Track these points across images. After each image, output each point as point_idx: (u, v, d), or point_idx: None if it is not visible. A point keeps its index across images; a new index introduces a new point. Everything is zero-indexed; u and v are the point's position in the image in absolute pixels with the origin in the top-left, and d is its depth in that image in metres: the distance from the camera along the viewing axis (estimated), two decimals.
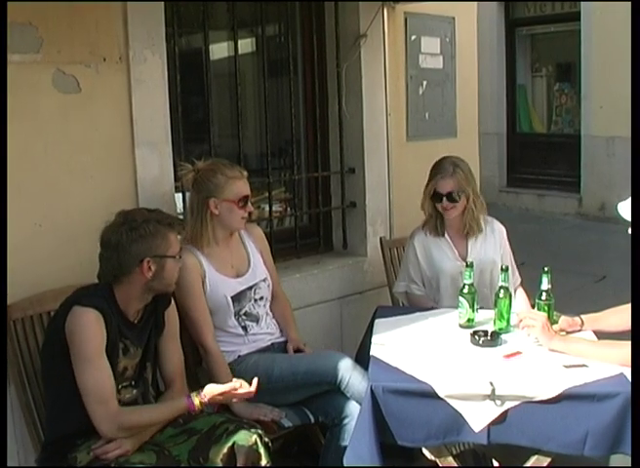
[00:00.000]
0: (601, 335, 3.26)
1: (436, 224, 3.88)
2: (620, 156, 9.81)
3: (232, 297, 3.30)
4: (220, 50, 4.27)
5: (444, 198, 3.77)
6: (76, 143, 3.22)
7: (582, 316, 3.37)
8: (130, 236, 2.68)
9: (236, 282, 3.34)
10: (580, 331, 3.31)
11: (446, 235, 3.88)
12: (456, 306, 3.47)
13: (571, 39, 10.86)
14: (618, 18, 9.74)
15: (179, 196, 3.73)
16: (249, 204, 3.31)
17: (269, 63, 4.28)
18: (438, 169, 3.84)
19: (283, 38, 4.46)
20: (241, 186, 3.29)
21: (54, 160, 3.16)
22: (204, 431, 2.75)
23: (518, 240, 8.77)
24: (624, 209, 3.05)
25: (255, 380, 2.80)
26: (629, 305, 3.37)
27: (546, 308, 3.30)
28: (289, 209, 4.66)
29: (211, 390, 2.74)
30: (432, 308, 3.77)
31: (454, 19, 4.99)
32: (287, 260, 4.37)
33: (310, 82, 4.52)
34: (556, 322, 3.30)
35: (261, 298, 3.42)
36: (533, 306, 3.43)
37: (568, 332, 3.26)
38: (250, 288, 3.37)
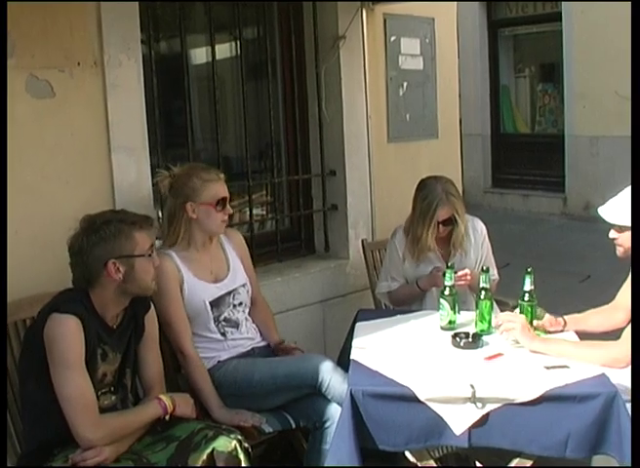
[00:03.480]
0: (583, 336, 3.25)
1: (426, 244, 3.80)
2: (604, 155, 9.86)
3: (211, 303, 3.27)
4: (197, 53, 4.24)
5: (440, 225, 3.74)
6: (51, 149, 3.19)
7: (565, 316, 3.37)
8: (90, 240, 2.64)
9: (215, 287, 3.31)
10: (562, 331, 3.30)
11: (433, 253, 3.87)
12: (437, 308, 3.45)
13: (553, 39, 10.91)
14: (599, 17, 9.80)
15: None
16: (227, 206, 3.29)
17: (248, 66, 4.26)
18: (430, 197, 3.72)
19: (261, 40, 4.43)
20: (218, 189, 3.26)
21: (29, 166, 3.12)
22: (182, 438, 2.71)
23: (503, 240, 8.77)
24: (606, 212, 3.05)
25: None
26: (610, 305, 3.38)
27: (529, 309, 3.28)
28: (270, 212, 4.63)
29: (179, 409, 2.79)
30: (414, 310, 3.75)
31: (433, 19, 4.98)
32: (268, 264, 4.35)
33: (289, 84, 4.50)
34: (541, 318, 3.30)
35: (240, 304, 3.40)
36: (515, 307, 3.43)
37: (550, 332, 3.26)
38: (229, 293, 3.35)
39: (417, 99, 4.98)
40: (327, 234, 4.68)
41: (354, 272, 4.58)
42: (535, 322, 3.26)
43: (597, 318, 3.40)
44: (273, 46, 4.44)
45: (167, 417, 2.76)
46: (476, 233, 3.92)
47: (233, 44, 4.37)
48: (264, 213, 4.64)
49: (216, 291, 3.30)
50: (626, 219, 2.96)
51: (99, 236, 2.64)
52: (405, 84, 4.87)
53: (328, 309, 4.47)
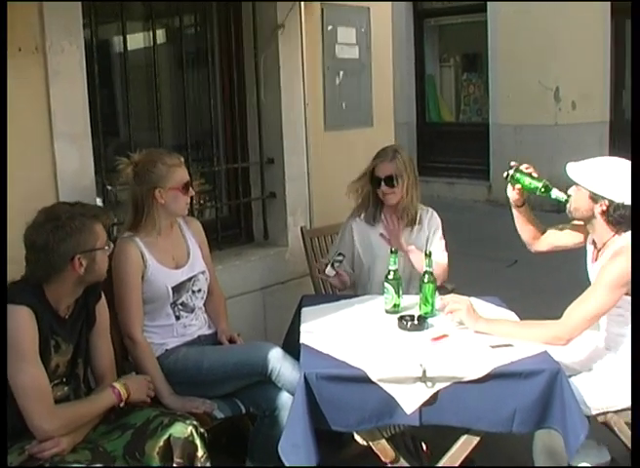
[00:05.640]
0: (523, 316, 3.37)
1: (374, 213, 3.93)
2: (528, 143, 10.10)
3: (173, 288, 3.28)
4: (138, 41, 4.19)
5: (382, 182, 3.81)
6: None
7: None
8: (57, 235, 2.61)
9: (177, 272, 3.33)
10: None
11: (382, 224, 3.94)
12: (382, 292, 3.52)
13: (478, 30, 11.10)
14: (523, 8, 10.02)
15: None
16: (190, 189, 3.33)
17: (187, 54, 4.25)
18: (379, 153, 3.88)
19: (200, 28, 4.42)
20: (182, 173, 3.29)
21: None
22: (138, 425, 2.72)
23: None
24: (572, 169, 3.17)
25: None
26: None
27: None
28: (209, 200, 4.63)
29: (134, 395, 2.81)
30: (358, 295, 3.82)
31: (368, 9, 5.04)
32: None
33: (228, 73, 4.51)
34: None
35: (199, 291, 3.42)
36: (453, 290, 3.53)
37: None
38: (189, 279, 3.37)
39: (352, 88, 5.04)
40: (266, 222, 4.71)
41: (293, 259, 4.62)
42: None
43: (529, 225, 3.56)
44: (212, 34, 4.44)
45: (122, 405, 2.76)
46: (431, 224, 4.01)
47: (173, 32, 4.34)
48: (204, 201, 4.63)
49: (178, 276, 3.32)
50: (583, 180, 3.09)
51: (64, 232, 2.62)
52: (341, 73, 4.92)
53: (268, 296, 4.50)
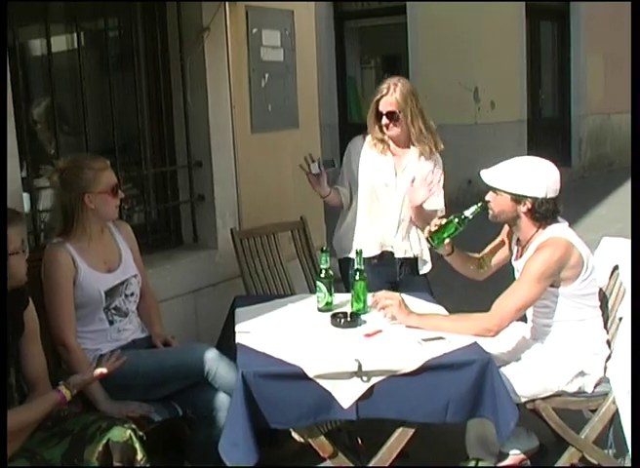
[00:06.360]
0: (452, 310, 3.47)
1: (382, 147, 4.01)
2: (449, 143, 10.23)
3: (106, 292, 3.27)
4: (62, 44, 4.13)
5: (384, 117, 3.90)
6: None
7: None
8: None
9: (110, 276, 3.31)
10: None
11: (388, 153, 4.03)
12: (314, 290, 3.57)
13: (398, 32, 11.25)
14: (442, 11, 10.22)
15: (26, 195, 3.62)
16: (119, 192, 3.32)
17: (113, 58, 4.21)
18: (380, 88, 3.97)
19: (125, 31, 4.38)
20: (110, 176, 3.28)
21: None
22: (75, 431, 2.69)
23: None
24: (487, 175, 3.27)
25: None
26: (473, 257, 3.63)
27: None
28: (138, 204, 4.60)
29: (76, 378, 2.76)
30: (288, 295, 3.87)
31: (292, 12, 5.08)
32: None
33: (154, 76, 4.48)
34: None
35: (132, 294, 3.41)
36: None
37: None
38: (122, 283, 3.36)
39: (278, 90, 5.06)
40: (195, 224, 4.70)
41: (223, 261, 4.62)
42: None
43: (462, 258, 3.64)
44: (138, 37, 4.40)
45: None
46: (437, 162, 4.10)
47: (98, 35, 4.29)
48: (133, 205, 4.60)
49: (110, 280, 3.31)
50: (502, 184, 3.19)
51: None
52: (267, 75, 4.94)
53: (200, 298, 4.49)
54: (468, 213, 3.32)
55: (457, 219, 3.35)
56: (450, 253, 3.54)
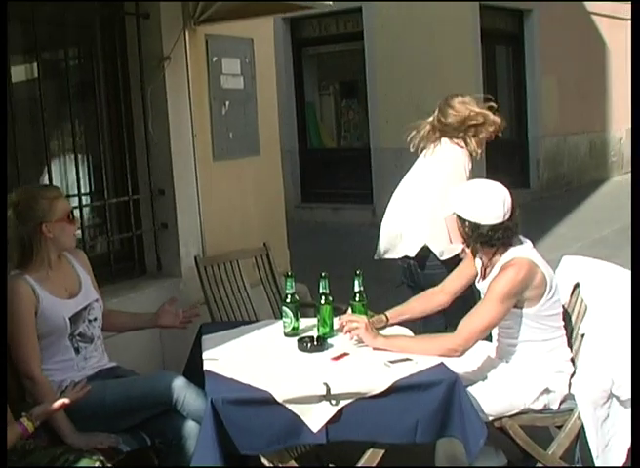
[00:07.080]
0: (417, 331, 3.51)
1: None
2: (409, 167, 10.38)
3: (70, 318, 3.25)
4: (22, 74, 4.13)
5: None
6: None
7: (387, 312, 3.60)
8: None
9: (72, 302, 3.31)
10: (385, 326, 3.54)
11: None
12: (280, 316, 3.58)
13: (355, 57, 11.41)
14: (399, 34, 10.37)
15: None
16: (75, 218, 3.34)
17: (73, 87, 4.21)
18: None
19: (85, 61, 4.39)
20: (64, 203, 3.29)
21: None
22: (43, 465, 2.67)
23: (318, 253, 9.06)
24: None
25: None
26: (430, 290, 3.66)
27: (362, 308, 3.51)
28: (100, 234, 4.58)
29: (38, 409, 2.72)
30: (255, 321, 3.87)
31: (252, 40, 5.11)
32: (102, 286, 4.23)
33: (115, 105, 4.49)
34: (371, 317, 3.52)
35: (95, 319, 3.40)
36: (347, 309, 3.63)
37: (378, 328, 3.45)
38: (85, 308, 3.35)
39: (239, 118, 5.09)
40: (158, 253, 4.70)
41: (187, 289, 4.61)
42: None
43: (418, 303, 3.67)
44: (98, 66, 4.41)
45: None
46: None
47: (58, 64, 4.30)
48: (96, 234, 4.59)
49: (73, 306, 3.29)
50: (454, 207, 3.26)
51: None
52: (227, 103, 4.96)
53: None
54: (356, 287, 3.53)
55: (353, 302, 3.54)
56: (390, 321, 3.59)
